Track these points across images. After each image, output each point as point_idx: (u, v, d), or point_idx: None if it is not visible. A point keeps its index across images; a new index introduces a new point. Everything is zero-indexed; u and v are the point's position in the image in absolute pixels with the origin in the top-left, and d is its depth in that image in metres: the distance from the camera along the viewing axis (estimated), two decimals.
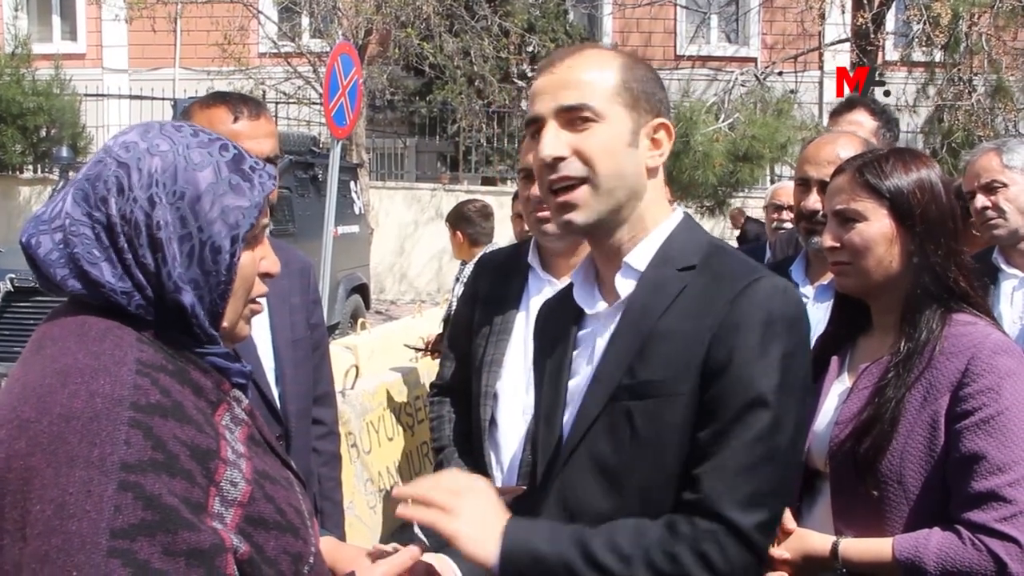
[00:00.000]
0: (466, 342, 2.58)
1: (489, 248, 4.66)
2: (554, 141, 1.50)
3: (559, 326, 1.69)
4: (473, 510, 1.43)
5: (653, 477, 1.45)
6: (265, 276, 1.38)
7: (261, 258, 1.36)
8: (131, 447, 1.11)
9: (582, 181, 1.50)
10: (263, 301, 1.42)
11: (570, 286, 1.70)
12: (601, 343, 1.57)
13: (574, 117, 1.50)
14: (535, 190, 2.36)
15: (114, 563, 1.07)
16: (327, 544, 1.49)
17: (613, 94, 1.51)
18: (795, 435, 1.45)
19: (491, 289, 2.56)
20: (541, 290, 2.45)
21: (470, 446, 2.53)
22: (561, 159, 1.50)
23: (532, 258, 2.52)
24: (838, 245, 1.93)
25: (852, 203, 1.91)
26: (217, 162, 1.28)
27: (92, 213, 1.24)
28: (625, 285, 1.55)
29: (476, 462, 2.48)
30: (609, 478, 1.49)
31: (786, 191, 4.69)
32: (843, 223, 1.93)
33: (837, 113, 3.44)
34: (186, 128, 1.31)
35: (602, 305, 1.60)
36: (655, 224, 1.57)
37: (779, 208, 4.70)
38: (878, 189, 1.89)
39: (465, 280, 3.37)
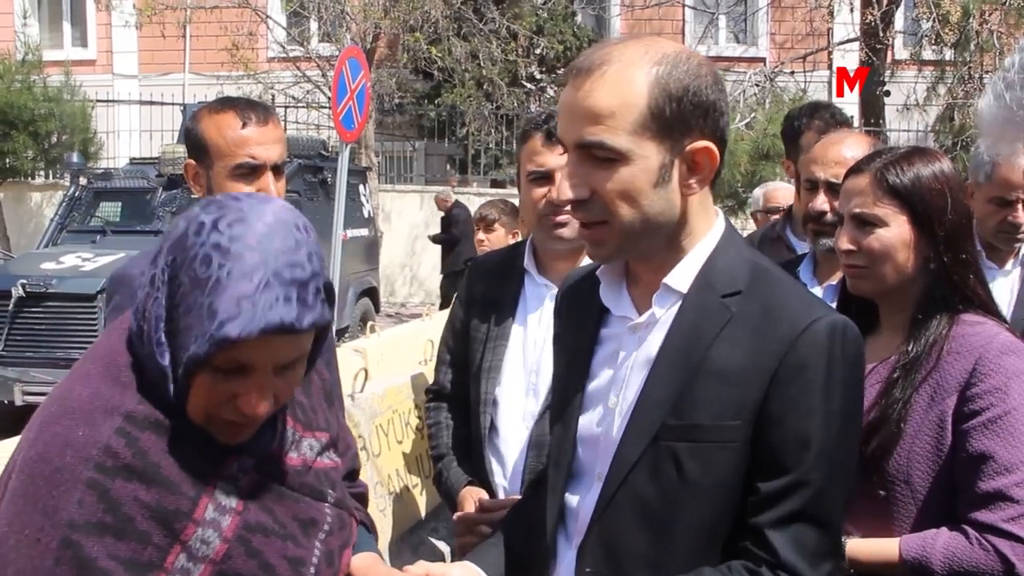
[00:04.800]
0: (462, 347, 2.50)
1: None
2: (573, 180, 1.38)
3: (582, 315, 1.58)
4: None
5: (701, 519, 1.39)
6: (237, 414, 1.24)
7: (234, 394, 1.23)
8: (82, 507, 1.17)
9: (603, 222, 1.39)
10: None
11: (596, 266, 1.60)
12: (628, 359, 1.47)
13: (594, 153, 1.35)
14: (547, 193, 2.29)
15: None
16: (366, 560, 1.48)
17: (639, 126, 1.33)
18: (851, 483, 1.45)
19: (487, 293, 2.48)
20: (538, 294, 2.39)
21: (470, 453, 2.46)
22: (581, 201, 1.38)
23: (528, 262, 2.43)
24: (855, 248, 1.87)
25: (872, 207, 1.85)
26: (199, 297, 1.19)
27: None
28: (663, 308, 1.44)
29: (476, 469, 2.42)
30: (654, 521, 1.41)
31: (782, 193, 4.56)
32: (861, 226, 1.87)
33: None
34: (197, 247, 1.21)
35: (631, 311, 1.49)
36: (698, 237, 1.45)
37: (775, 211, 4.42)
38: (900, 194, 1.83)
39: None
